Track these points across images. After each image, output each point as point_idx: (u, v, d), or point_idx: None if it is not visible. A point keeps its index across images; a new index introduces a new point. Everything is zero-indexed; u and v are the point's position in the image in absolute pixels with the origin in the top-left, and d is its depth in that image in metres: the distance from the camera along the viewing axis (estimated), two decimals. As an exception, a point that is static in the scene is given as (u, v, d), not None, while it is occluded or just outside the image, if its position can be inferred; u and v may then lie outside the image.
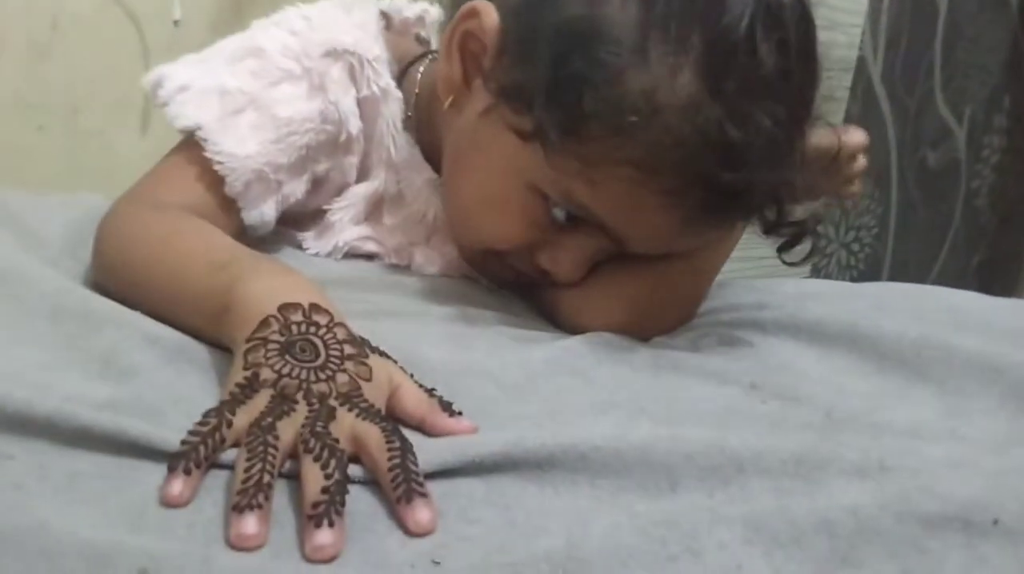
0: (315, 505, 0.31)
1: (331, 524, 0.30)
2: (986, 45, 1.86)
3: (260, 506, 0.31)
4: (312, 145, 0.58)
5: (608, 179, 0.48)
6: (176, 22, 1.08)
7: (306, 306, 0.40)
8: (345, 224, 0.63)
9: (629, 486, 0.36)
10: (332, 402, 0.36)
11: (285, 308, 0.39)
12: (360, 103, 0.60)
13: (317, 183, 0.62)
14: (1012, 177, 2.05)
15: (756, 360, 0.49)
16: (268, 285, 0.42)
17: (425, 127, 0.62)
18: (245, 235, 0.58)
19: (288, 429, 0.34)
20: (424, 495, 0.33)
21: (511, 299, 0.61)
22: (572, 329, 0.55)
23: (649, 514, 0.34)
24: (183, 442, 0.33)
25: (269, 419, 0.34)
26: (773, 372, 0.47)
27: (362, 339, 0.41)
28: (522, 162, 0.51)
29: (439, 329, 0.50)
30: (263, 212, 0.58)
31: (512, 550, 0.31)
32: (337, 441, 0.34)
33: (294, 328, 0.39)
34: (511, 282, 0.61)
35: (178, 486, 0.32)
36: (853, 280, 1.80)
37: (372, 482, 0.35)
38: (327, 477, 0.32)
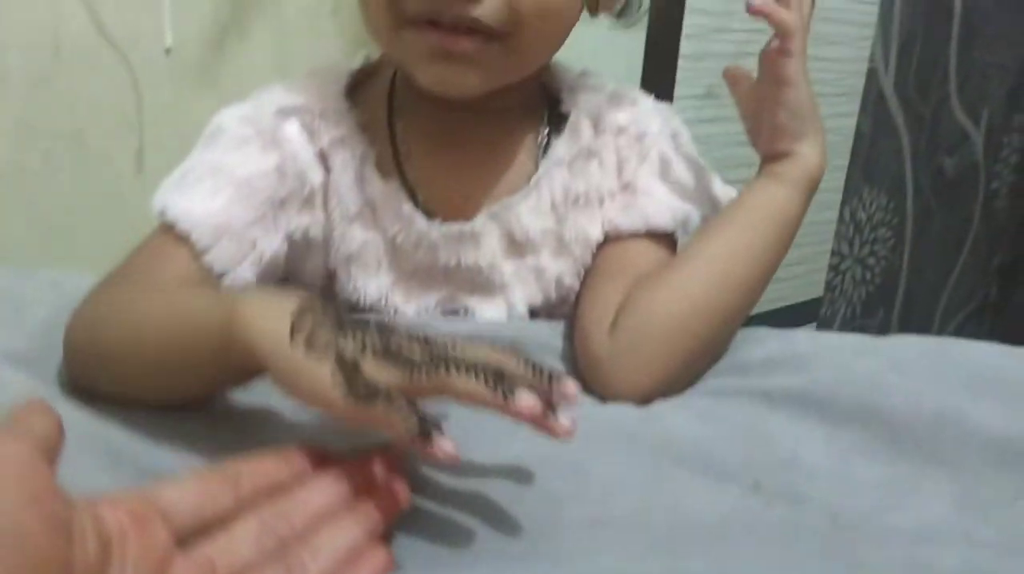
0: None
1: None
2: (1006, 42, 1.80)
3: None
4: (276, 200, 0.57)
5: None
6: (167, 50, 1.06)
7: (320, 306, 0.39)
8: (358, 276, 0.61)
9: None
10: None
11: (303, 309, 0.38)
12: (324, 155, 0.59)
13: (300, 244, 0.60)
14: (1033, 174, 2.01)
15: (761, 448, 0.46)
16: (269, 298, 0.40)
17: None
18: None
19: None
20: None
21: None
22: (609, 392, 0.53)
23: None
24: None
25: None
26: (778, 465, 0.45)
27: None
28: None
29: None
30: (240, 275, 0.55)
31: None
32: None
33: (332, 317, 0.38)
34: (441, 54, 0.53)
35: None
36: (868, 295, 1.76)
37: None
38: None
